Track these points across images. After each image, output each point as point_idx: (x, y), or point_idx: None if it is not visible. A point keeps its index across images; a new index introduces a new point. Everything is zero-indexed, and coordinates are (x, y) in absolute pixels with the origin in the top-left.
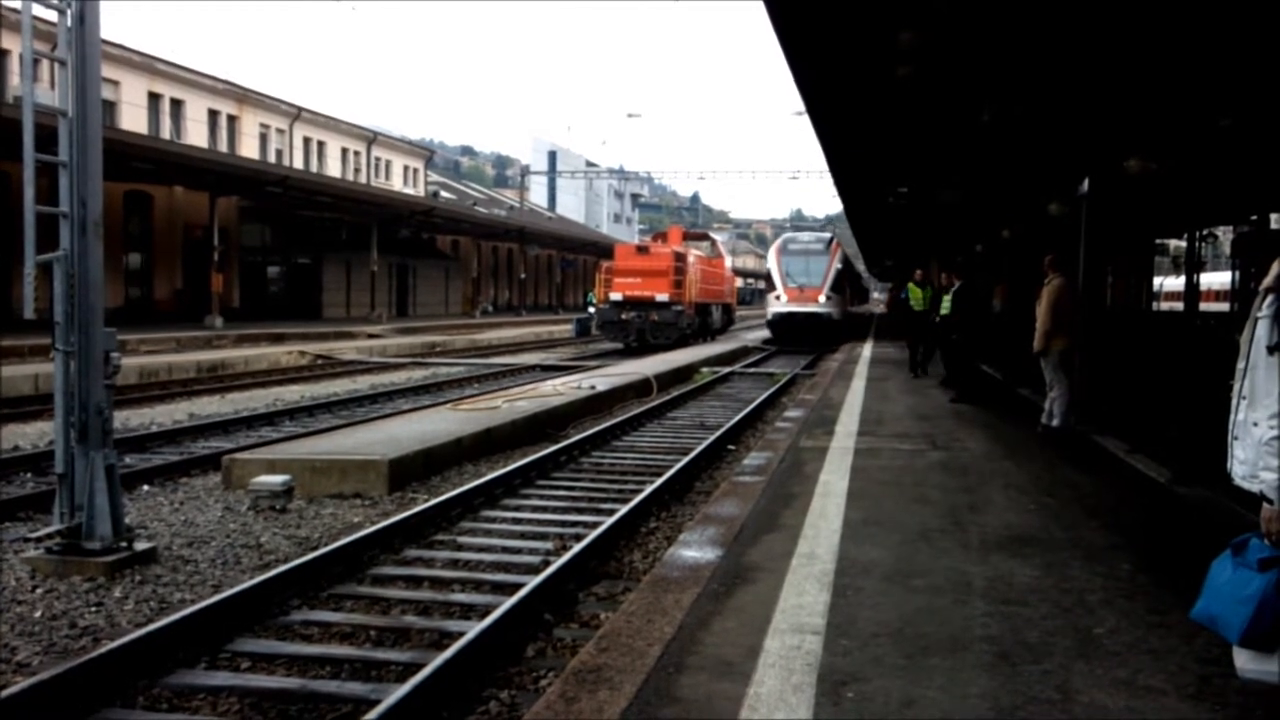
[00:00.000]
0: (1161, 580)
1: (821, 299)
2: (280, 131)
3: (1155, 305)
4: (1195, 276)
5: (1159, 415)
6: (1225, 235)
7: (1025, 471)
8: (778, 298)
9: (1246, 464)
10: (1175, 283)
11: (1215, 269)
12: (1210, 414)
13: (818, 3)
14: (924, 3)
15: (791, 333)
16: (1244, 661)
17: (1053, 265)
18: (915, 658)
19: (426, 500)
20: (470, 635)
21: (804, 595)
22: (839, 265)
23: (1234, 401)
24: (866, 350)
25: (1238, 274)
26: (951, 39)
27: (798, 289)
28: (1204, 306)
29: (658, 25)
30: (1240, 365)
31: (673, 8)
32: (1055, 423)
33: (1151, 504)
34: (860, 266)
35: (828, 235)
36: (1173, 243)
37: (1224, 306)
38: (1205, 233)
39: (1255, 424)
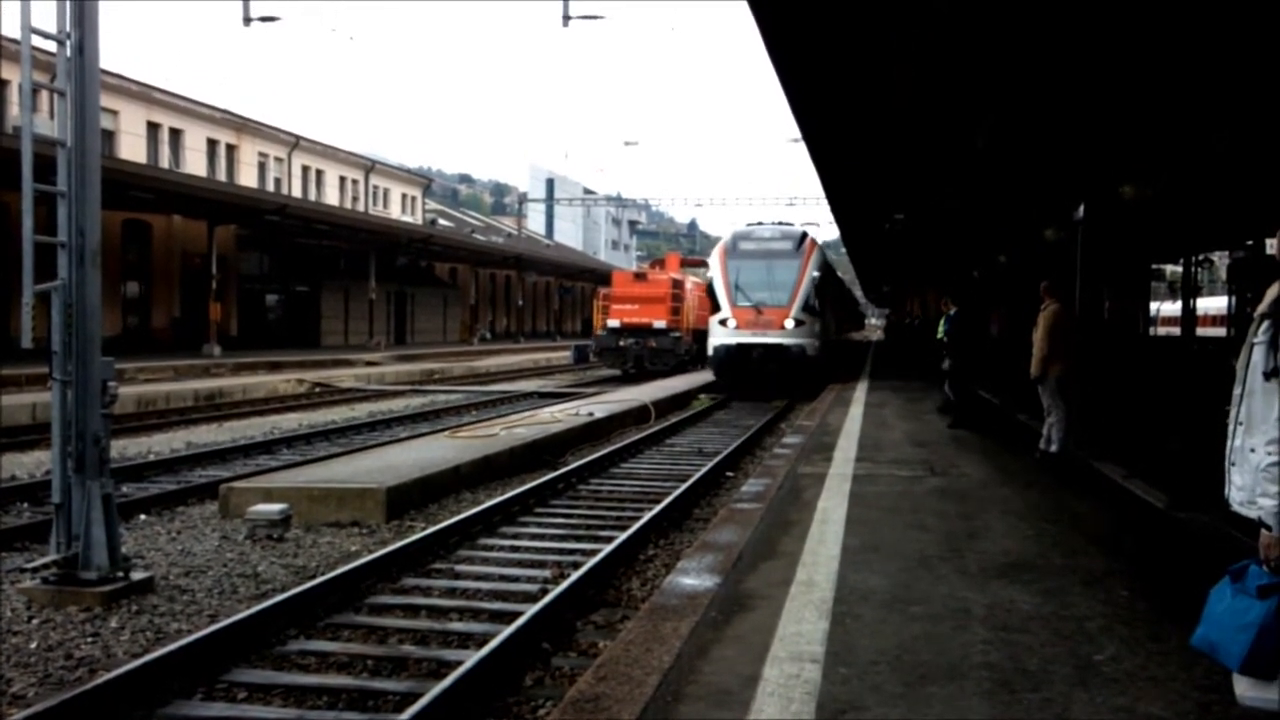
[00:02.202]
0: (1161, 607)
1: (789, 323)
2: (279, 160)
3: (1152, 330)
4: (1192, 302)
5: (1157, 440)
6: (1221, 260)
7: (1024, 498)
8: (723, 322)
9: (1244, 490)
10: (1172, 308)
11: (1212, 294)
12: (1208, 439)
13: (814, 36)
14: (919, 35)
15: (744, 373)
16: (1244, 689)
17: (1049, 291)
18: (914, 686)
19: (424, 528)
20: (468, 665)
21: (803, 623)
22: (816, 273)
23: (1230, 427)
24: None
25: (1234, 299)
26: (946, 67)
27: (753, 309)
28: (1201, 332)
29: (655, 54)
30: (1237, 391)
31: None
32: (1053, 448)
33: (1150, 530)
34: (857, 293)
35: (798, 230)
36: (1169, 268)
37: (1221, 331)
38: (1201, 258)
39: (1253, 450)
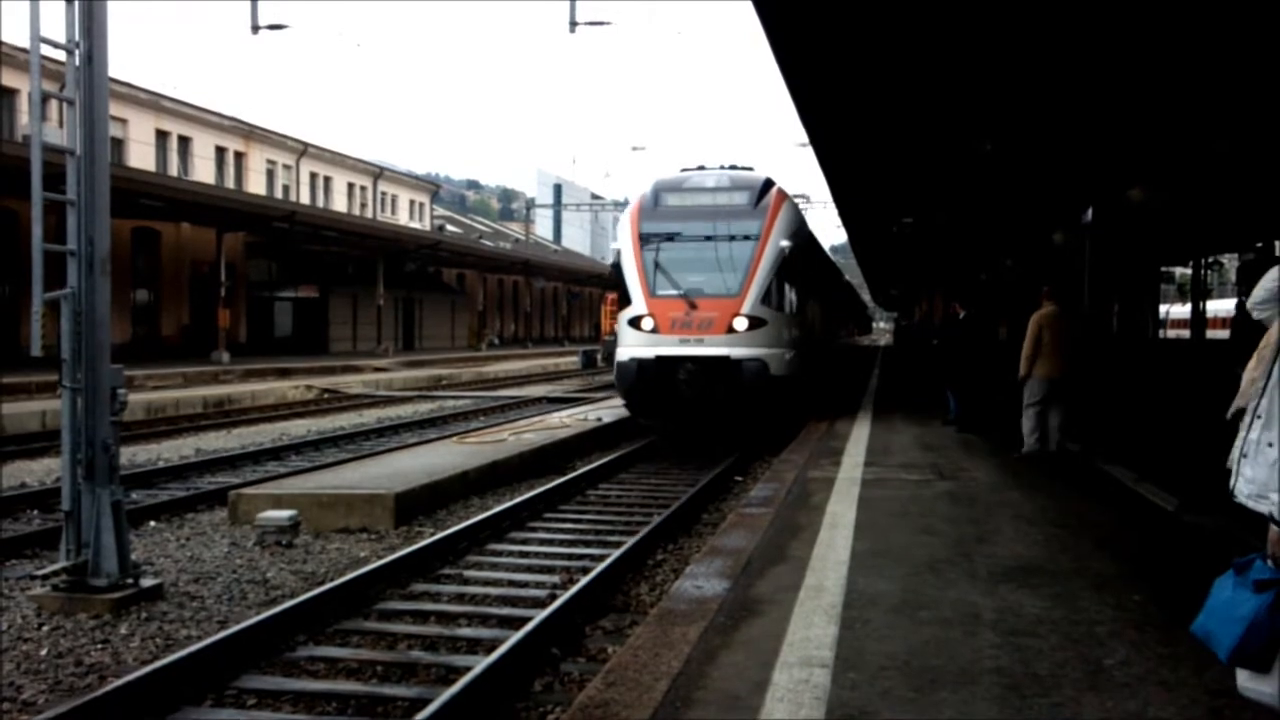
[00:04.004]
0: (1171, 610)
1: (740, 323)
2: (287, 167)
3: (1162, 333)
4: (1201, 304)
5: (1166, 443)
6: (1231, 263)
7: (1032, 501)
8: (636, 322)
9: (1254, 484)
10: (1181, 310)
11: (1221, 297)
12: (1218, 442)
13: (821, 41)
14: (927, 40)
15: (670, 403)
16: (1244, 680)
17: (1049, 295)
18: (924, 690)
19: (433, 534)
20: (477, 670)
21: (812, 628)
22: (785, 243)
23: (1247, 419)
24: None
25: (1243, 301)
26: (954, 72)
27: (682, 301)
28: (1210, 334)
29: (662, 58)
30: (1260, 384)
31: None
32: (1024, 449)
33: (1160, 533)
34: (865, 296)
35: (757, 177)
36: (1178, 270)
37: (1225, 334)
38: (1211, 260)
39: (1270, 444)
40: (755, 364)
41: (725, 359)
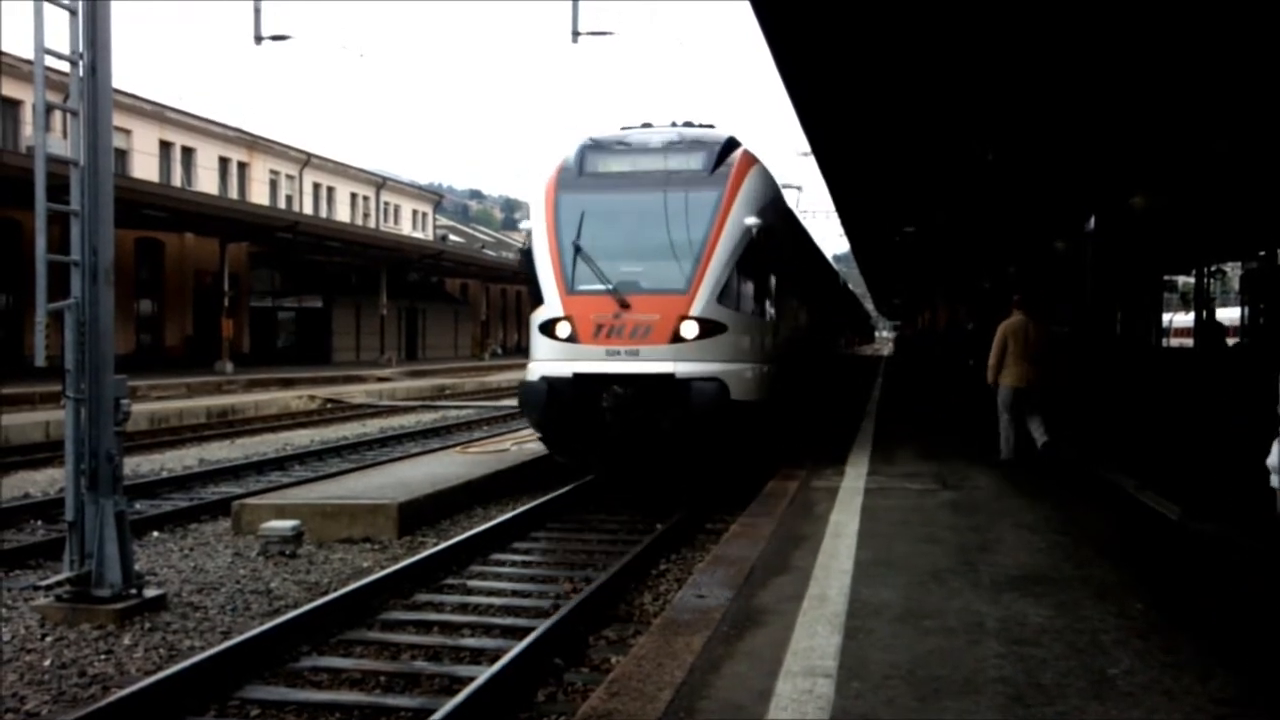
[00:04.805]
0: (1175, 618)
1: (688, 329)
2: (290, 177)
3: (1165, 342)
4: (1204, 312)
5: (1169, 451)
6: (1234, 271)
7: (1036, 510)
8: (549, 328)
9: None
10: (1185, 319)
11: (1224, 305)
12: (1220, 450)
13: (822, 51)
14: (929, 48)
15: (595, 436)
16: None
17: (1019, 305)
18: (928, 700)
19: (436, 544)
20: (480, 680)
21: (815, 637)
22: (752, 220)
23: None
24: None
25: (1247, 309)
26: (955, 80)
27: (610, 298)
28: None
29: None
30: None
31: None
32: (1002, 456)
33: (1163, 541)
34: (869, 306)
35: (715, 135)
36: (1181, 279)
37: (1233, 342)
38: (1214, 269)
39: None
40: (709, 385)
41: (668, 378)
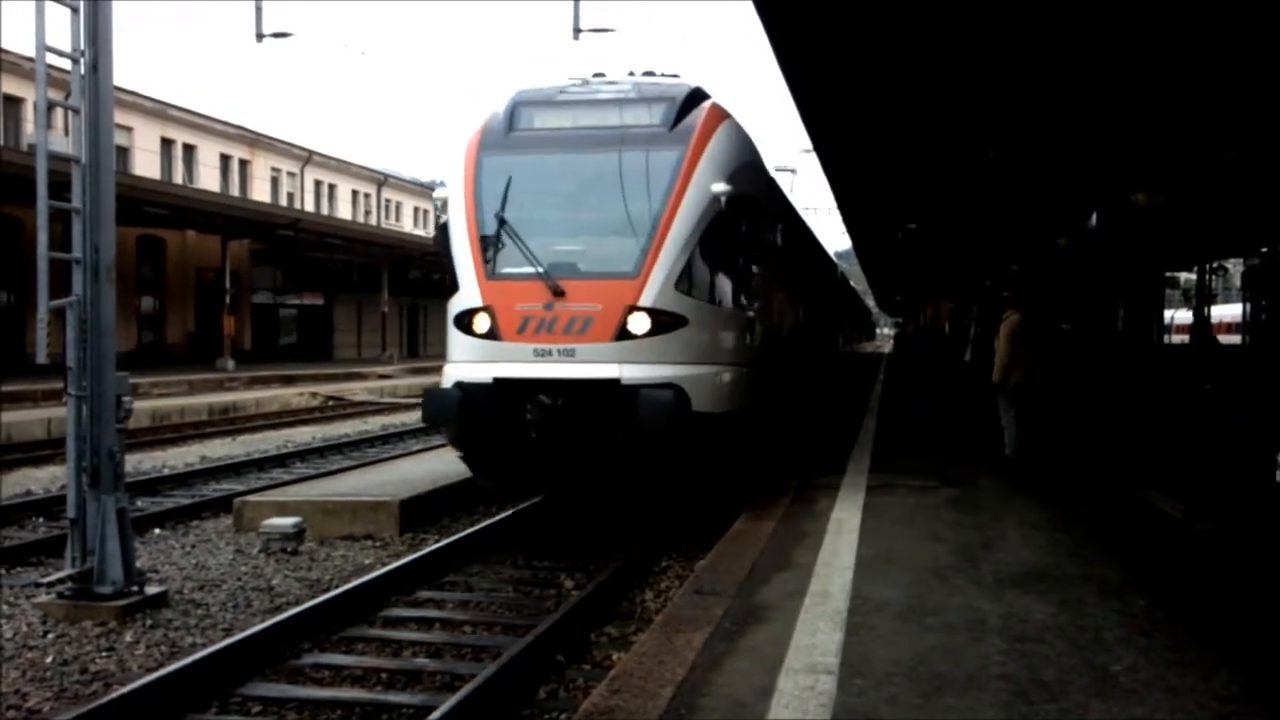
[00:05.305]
0: (1178, 616)
1: (638, 323)
2: (291, 175)
3: (1167, 339)
4: (1206, 310)
5: (1173, 449)
6: (1235, 267)
7: (1038, 508)
8: (465, 321)
9: None
10: (1187, 316)
11: (1226, 302)
12: (1224, 447)
13: (824, 47)
14: (931, 44)
15: (519, 454)
16: None
17: (1010, 302)
18: (931, 697)
19: (438, 541)
20: (482, 677)
21: (817, 634)
22: (722, 188)
23: None
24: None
25: (1249, 306)
26: (957, 76)
27: (539, 287)
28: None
29: (666, 64)
30: None
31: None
32: (1007, 452)
33: (1166, 539)
34: (870, 303)
35: (677, 87)
36: (1183, 276)
37: (1236, 339)
38: (1216, 265)
39: None
40: (664, 393)
41: (611, 385)
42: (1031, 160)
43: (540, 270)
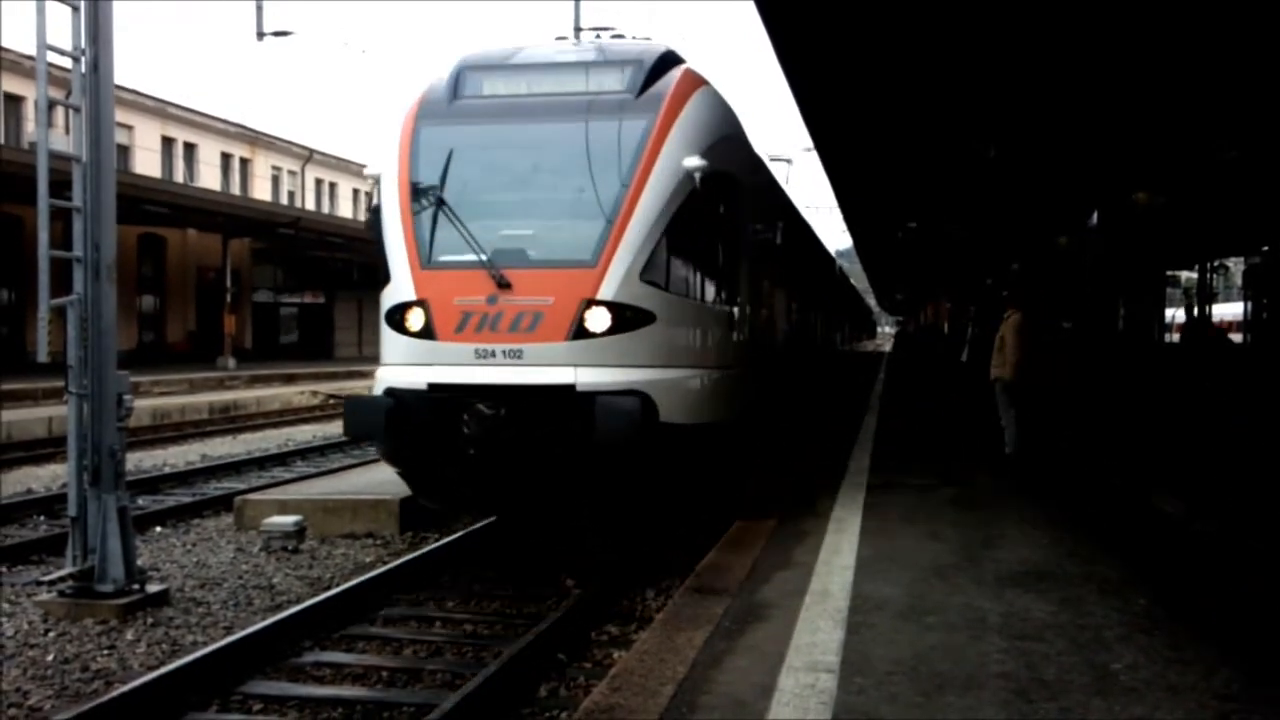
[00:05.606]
0: (1179, 615)
1: (597, 319)
2: (292, 173)
3: (1168, 338)
4: (1208, 308)
5: (1173, 448)
6: (1237, 266)
7: (1039, 506)
8: (397, 317)
9: None
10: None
11: (1227, 300)
12: (1224, 447)
13: (825, 45)
14: (932, 41)
15: (459, 471)
16: None
17: (1010, 302)
18: (931, 695)
19: (438, 539)
20: (483, 675)
21: (818, 632)
22: (696, 163)
23: None
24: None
25: (1250, 305)
26: (957, 74)
27: (482, 277)
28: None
29: None
30: None
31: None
32: (1007, 449)
33: (1167, 538)
34: (870, 301)
35: (649, 49)
36: (1184, 274)
37: (1237, 338)
38: (1217, 264)
39: None
40: (626, 402)
41: (565, 391)
42: (1032, 159)
43: (483, 258)
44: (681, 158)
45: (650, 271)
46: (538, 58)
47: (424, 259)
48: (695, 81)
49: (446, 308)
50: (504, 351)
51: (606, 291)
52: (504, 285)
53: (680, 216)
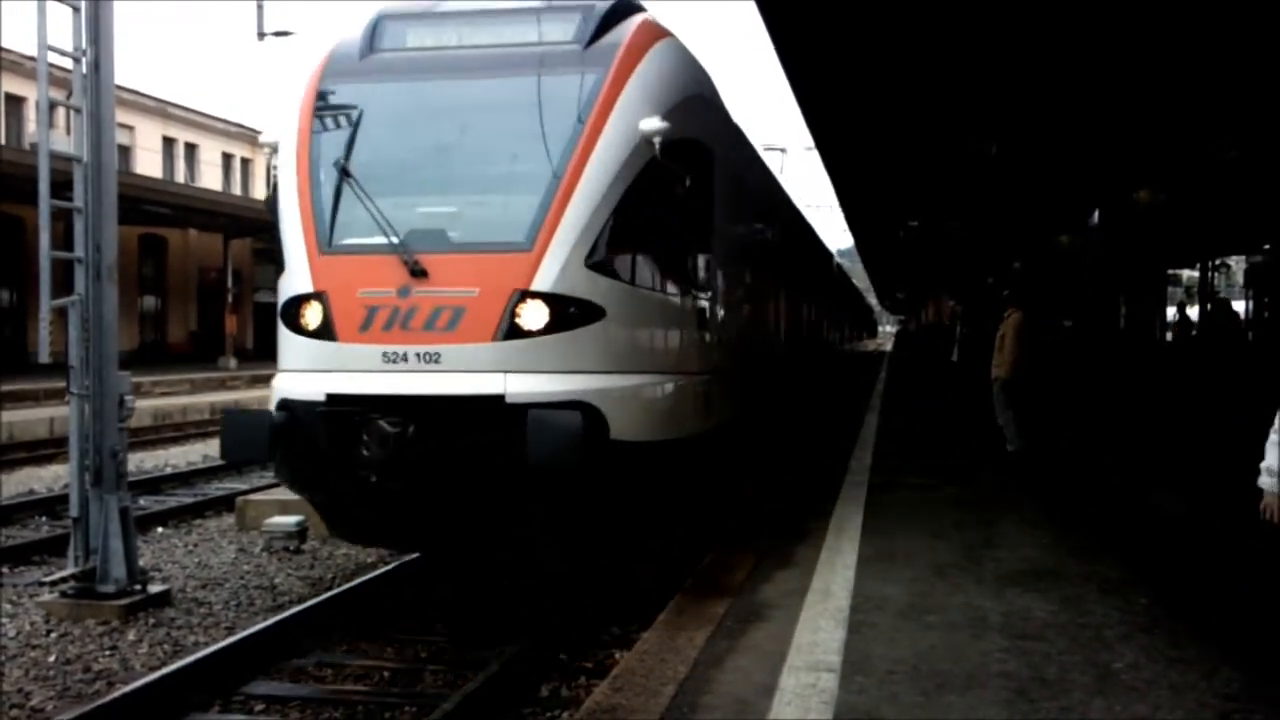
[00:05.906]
0: (1180, 614)
1: (533, 313)
2: None
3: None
4: (1209, 307)
5: (1175, 447)
6: (1238, 265)
7: (1040, 506)
8: (291, 313)
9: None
10: (1193, 313)
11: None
12: (1226, 445)
13: (826, 43)
14: (933, 40)
15: (366, 500)
16: None
17: (1011, 300)
18: (932, 695)
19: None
20: (484, 675)
21: (819, 632)
22: (655, 125)
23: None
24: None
25: (1251, 304)
26: (958, 72)
27: (393, 265)
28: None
29: None
30: None
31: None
32: (1010, 447)
33: (1168, 537)
34: (872, 300)
35: (596, 2)
36: (1185, 273)
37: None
38: (1218, 263)
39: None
40: (568, 416)
41: (493, 403)
42: (1034, 157)
43: (394, 240)
44: (637, 119)
45: (598, 256)
46: (471, 6)
47: (323, 243)
48: (656, 32)
49: (348, 301)
50: (418, 355)
51: (543, 281)
52: (419, 274)
53: (635, 189)
